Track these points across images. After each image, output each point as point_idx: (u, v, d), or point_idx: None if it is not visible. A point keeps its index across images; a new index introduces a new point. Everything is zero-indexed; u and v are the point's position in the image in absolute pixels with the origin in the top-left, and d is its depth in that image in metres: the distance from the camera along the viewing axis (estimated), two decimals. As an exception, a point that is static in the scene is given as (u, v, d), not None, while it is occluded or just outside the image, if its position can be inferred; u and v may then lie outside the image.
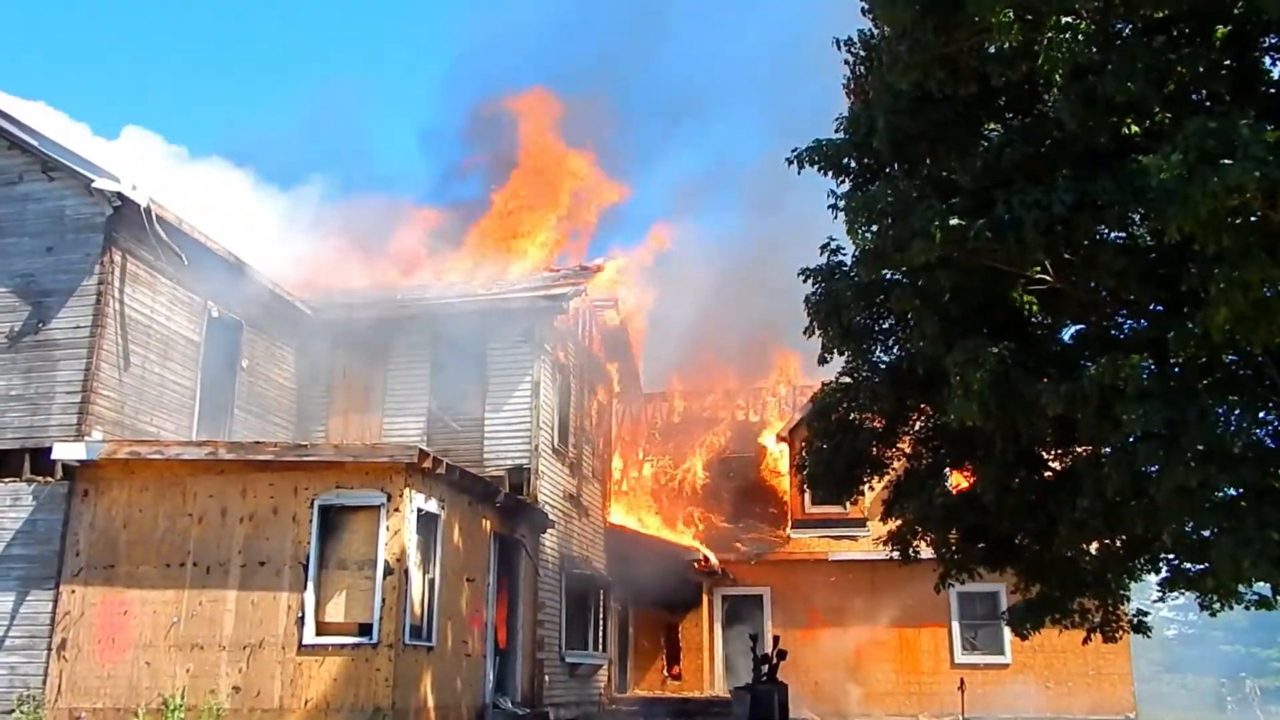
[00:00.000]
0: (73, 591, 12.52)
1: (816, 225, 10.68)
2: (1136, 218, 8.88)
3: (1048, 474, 10.88)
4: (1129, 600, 12.08)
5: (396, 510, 12.26)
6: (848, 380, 11.79)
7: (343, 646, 11.97)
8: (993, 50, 8.44)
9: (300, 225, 17.59)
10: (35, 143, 13.65)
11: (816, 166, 10.35)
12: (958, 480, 13.78)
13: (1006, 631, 20.18)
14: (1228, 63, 8.15)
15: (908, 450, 12.11)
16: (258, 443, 14.00)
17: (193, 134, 76.24)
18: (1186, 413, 7.90)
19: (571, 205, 24.42)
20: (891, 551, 12.21)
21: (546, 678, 17.13)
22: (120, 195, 13.16)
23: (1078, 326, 10.43)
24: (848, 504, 22.32)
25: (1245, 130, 6.59)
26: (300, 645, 11.99)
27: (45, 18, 75.70)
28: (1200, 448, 8.00)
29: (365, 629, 12.00)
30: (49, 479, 12.83)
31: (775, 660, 17.65)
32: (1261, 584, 9.22)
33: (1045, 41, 7.96)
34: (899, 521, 11.95)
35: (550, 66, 40.73)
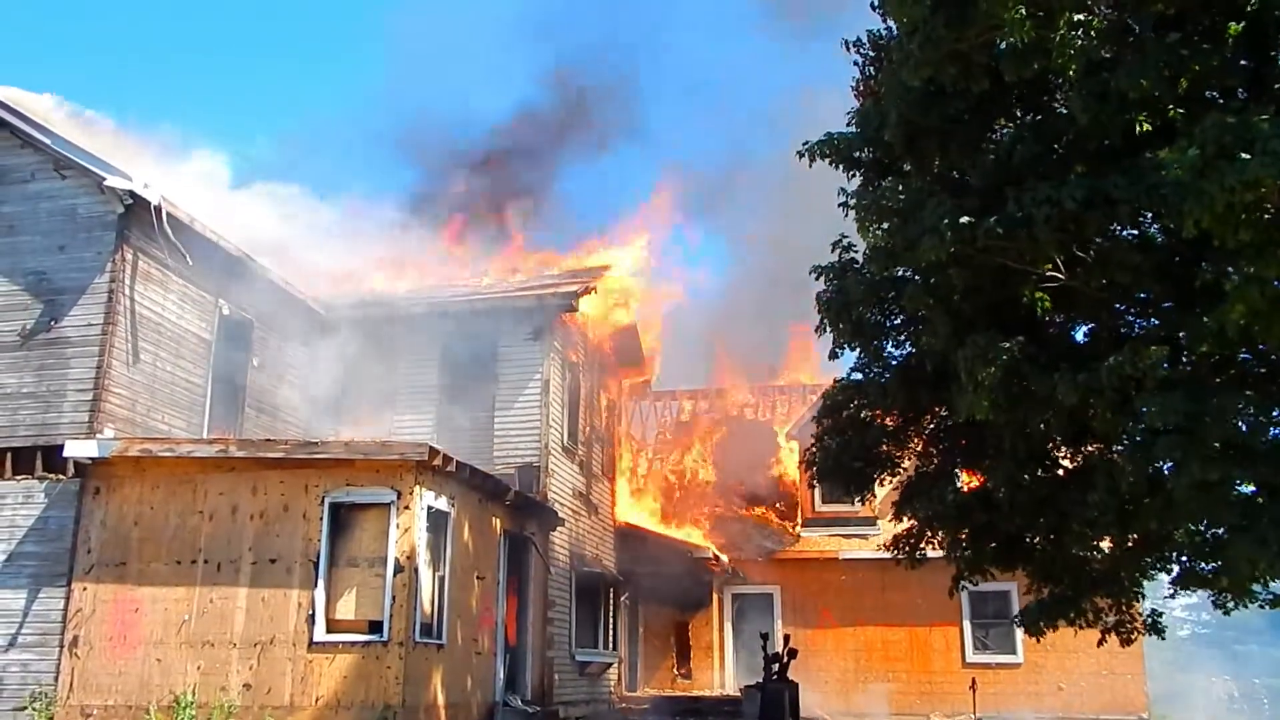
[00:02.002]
0: (84, 589, 12.55)
1: (830, 220, 10.63)
2: (1150, 215, 8.81)
3: (1059, 472, 10.82)
4: (1143, 599, 11.99)
5: (407, 508, 12.26)
6: (858, 377, 11.73)
7: (353, 644, 11.98)
8: (1004, 46, 8.39)
9: (324, 227, 17.60)
10: (47, 141, 13.67)
11: (828, 160, 10.22)
12: (968, 479, 13.71)
13: (1018, 631, 20.11)
14: (1243, 61, 8.08)
15: (918, 449, 12.04)
16: (268, 440, 14.00)
17: (212, 124, 76.10)
18: (1206, 406, 7.84)
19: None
20: (897, 555, 12.16)
21: (557, 676, 17.14)
22: (132, 193, 13.17)
23: (1089, 325, 10.37)
24: (858, 502, 22.32)
25: (1264, 125, 6.53)
26: (311, 642, 12.00)
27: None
28: (1218, 444, 7.94)
29: (376, 626, 12.01)
30: (61, 476, 12.85)
31: (786, 659, 17.60)
32: (1277, 583, 9.18)
33: (1058, 38, 7.91)
34: (911, 523, 11.89)
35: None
